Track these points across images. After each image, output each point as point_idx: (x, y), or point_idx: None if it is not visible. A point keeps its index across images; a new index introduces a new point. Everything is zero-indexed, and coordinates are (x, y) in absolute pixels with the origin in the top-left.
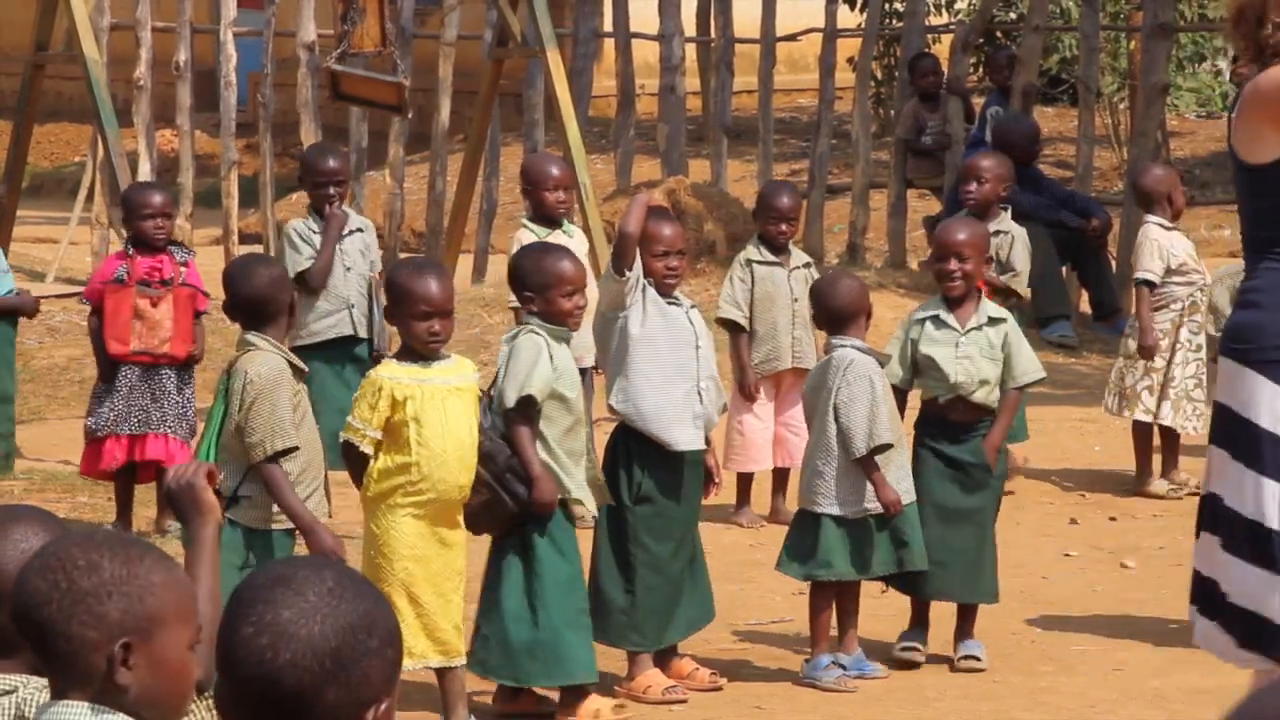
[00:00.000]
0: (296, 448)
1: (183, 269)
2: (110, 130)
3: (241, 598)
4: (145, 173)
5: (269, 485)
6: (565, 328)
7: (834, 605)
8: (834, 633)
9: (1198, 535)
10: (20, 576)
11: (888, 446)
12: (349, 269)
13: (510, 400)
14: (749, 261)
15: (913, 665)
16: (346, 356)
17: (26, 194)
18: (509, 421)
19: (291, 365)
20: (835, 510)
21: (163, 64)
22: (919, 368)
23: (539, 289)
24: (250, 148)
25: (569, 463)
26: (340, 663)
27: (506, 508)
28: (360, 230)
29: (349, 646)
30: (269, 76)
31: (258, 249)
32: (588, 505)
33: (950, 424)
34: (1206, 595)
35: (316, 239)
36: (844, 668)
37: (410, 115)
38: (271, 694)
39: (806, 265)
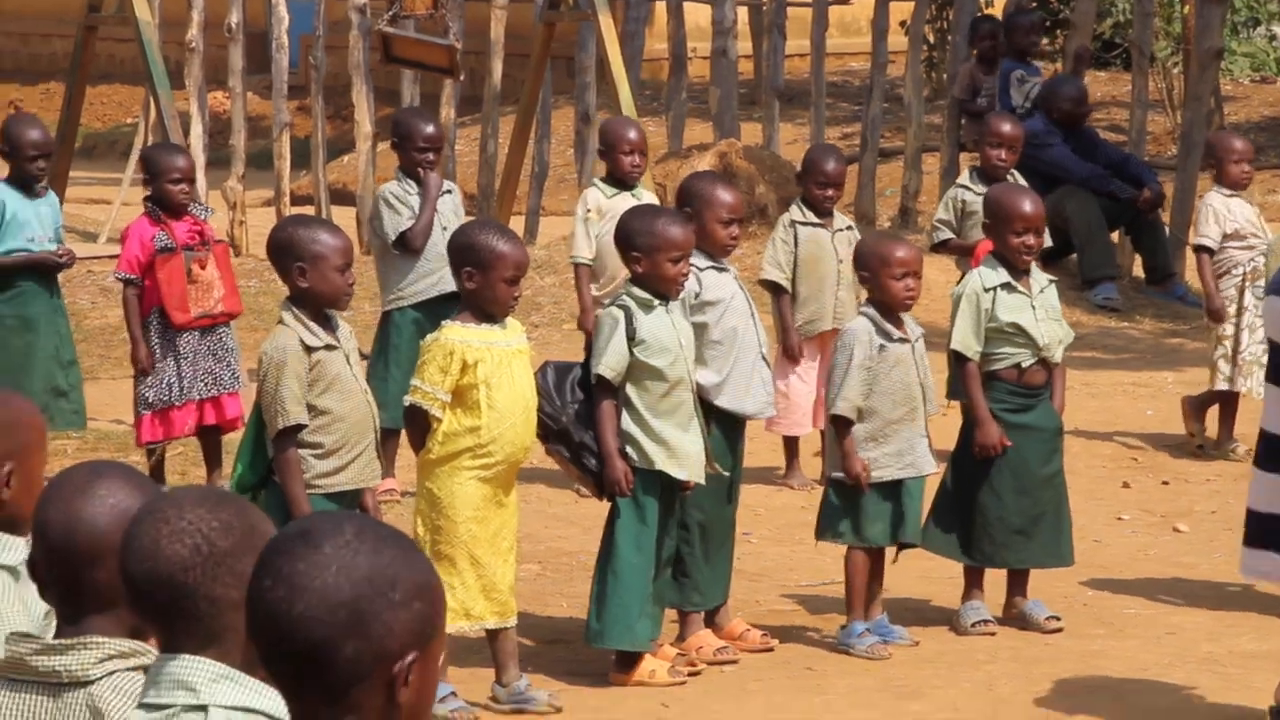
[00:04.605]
0: (301, 425)
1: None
2: (163, 92)
3: (266, 552)
4: (197, 134)
5: (275, 465)
6: (659, 295)
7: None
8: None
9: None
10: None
11: (844, 420)
12: (445, 229)
13: (593, 378)
14: (793, 223)
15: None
16: (446, 314)
17: (79, 155)
18: (594, 397)
19: (305, 342)
20: (837, 473)
21: (215, 26)
22: (998, 336)
23: (646, 250)
24: (302, 110)
25: (665, 431)
26: (357, 615)
27: (593, 481)
28: (449, 191)
29: (366, 598)
30: (321, 39)
31: (309, 210)
32: (677, 475)
33: (1024, 391)
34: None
35: (412, 200)
36: (881, 636)
37: (462, 78)
38: (290, 647)
39: (849, 228)
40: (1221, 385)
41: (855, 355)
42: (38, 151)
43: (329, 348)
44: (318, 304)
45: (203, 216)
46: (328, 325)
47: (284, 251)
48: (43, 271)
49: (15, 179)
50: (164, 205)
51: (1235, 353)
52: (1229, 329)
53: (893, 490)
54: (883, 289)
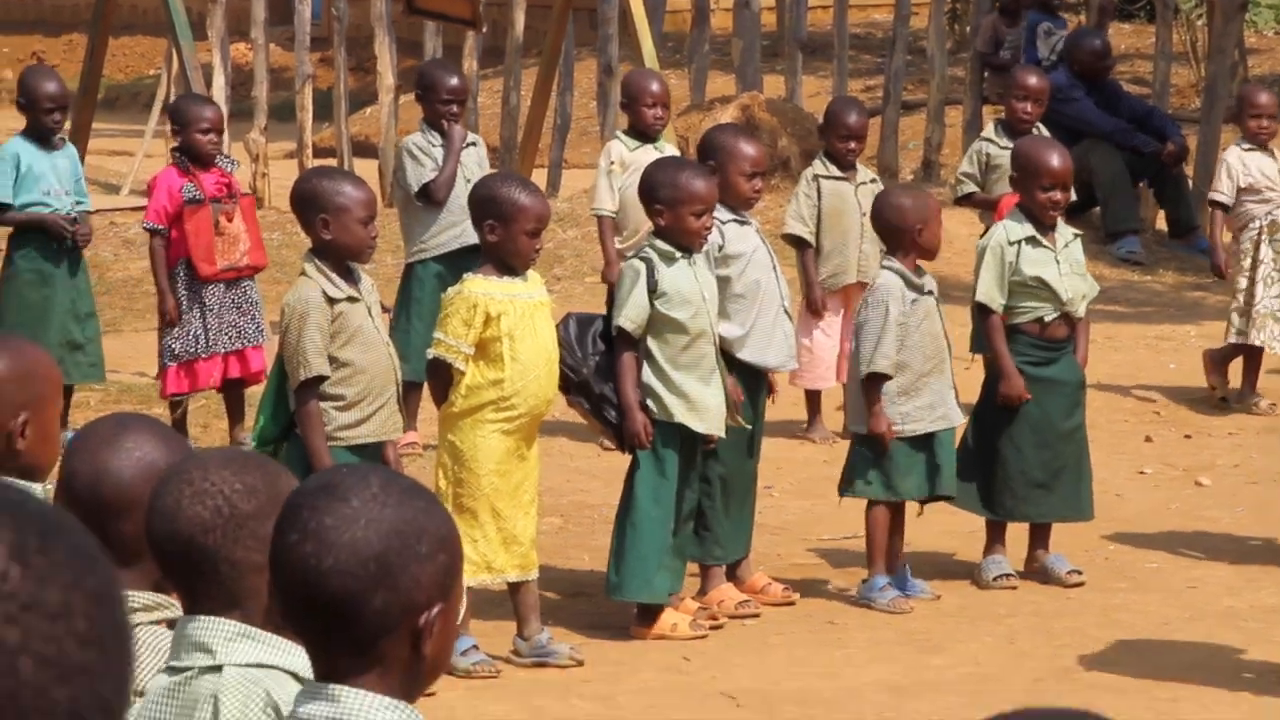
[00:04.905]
0: (323, 377)
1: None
2: (185, 43)
3: (289, 506)
4: (219, 86)
5: (296, 417)
6: (682, 248)
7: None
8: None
9: None
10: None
11: (883, 376)
12: (468, 181)
13: (613, 330)
14: (816, 177)
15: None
16: (468, 267)
17: (101, 107)
18: (615, 349)
19: (328, 293)
20: (864, 429)
21: None
22: (1021, 290)
23: (669, 203)
24: (324, 61)
25: (686, 384)
26: (386, 567)
27: (614, 433)
28: (474, 144)
29: (394, 551)
30: None
31: (331, 162)
32: (696, 429)
33: (1046, 345)
34: None
35: (436, 152)
36: (902, 590)
37: (484, 30)
38: (319, 600)
39: (873, 181)
40: (1233, 338)
41: (891, 311)
42: (54, 104)
43: (351, 300)
44: (340, 256)
45: (229, 169)
46: (350, 277)
47: (307, 203)
48: (54, 234)
49: (32, 131)
50: (192, 156)
51: (1249, 305)
52: (1243, 282)
53: (924, 443)
54: (929, 239)
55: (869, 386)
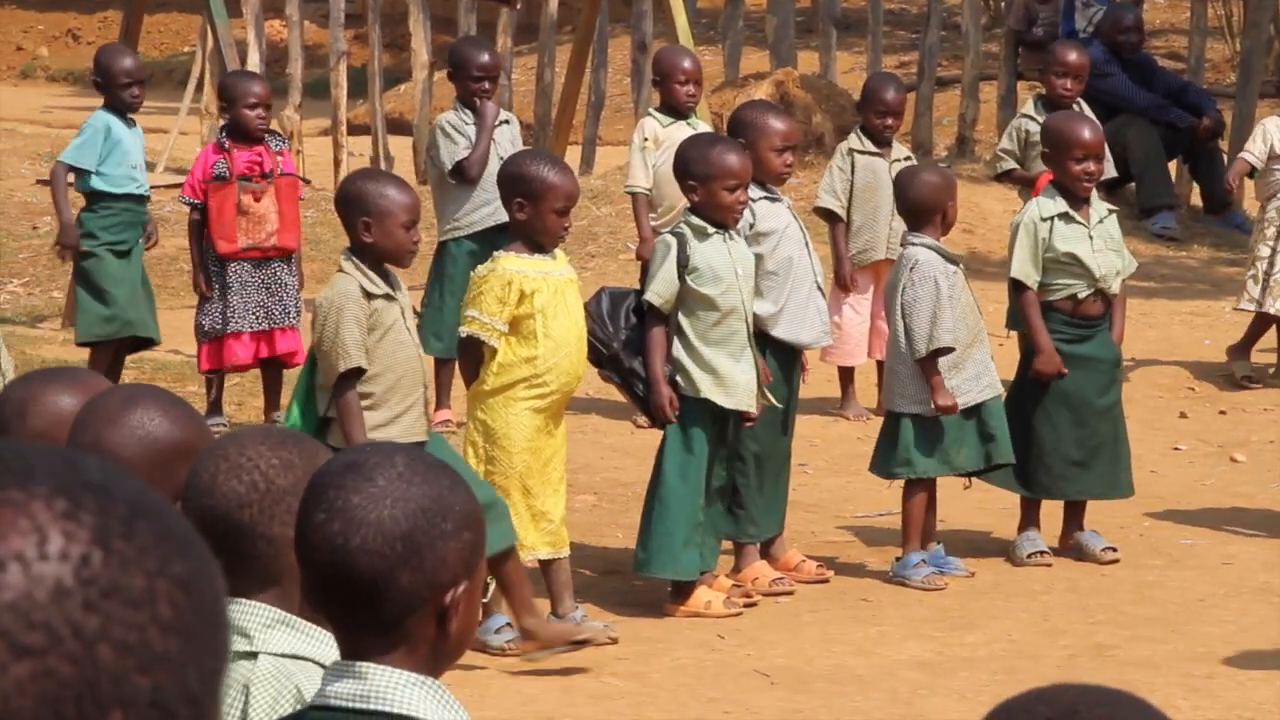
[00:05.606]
0: (361, 369)
1: (279, 158)
2: (220, 20)
3: (314, 485)
4: (254, 63)
5: (336, 409)
6: (716, 224)
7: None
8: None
9: None
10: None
11: (947, 350)
12: (501, 159)
13: (644, 305)
14: (850, 151)
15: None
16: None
17: None
18: (645, 323)
19: (365, 289)
20: (912, 409)
21: None
22: (1054, 267)
23: (702, 179)
24: (359, 38)
25: (715, 360)
26: (412, 546)
27: (643, 408)
28: (507, 122)
29: (421, 530)
30: None
31: (365, 140)
32: (724, 404)
33: (1080, 322)
34: None
35: (469, 129)
36: (937, 567)
37: (519, 6)
38: (345, 579)
39: (907, 159)
40: (1247, 305)
41: (941, 285)
42: (131, 78)
43: (388, 298)
44: (380, 259)
45: (277, 147)
46: (387, 279)
47: (351, 205)
48: (57, 241)
49: (111, 107)
50: (241, 132)
51: (1267, 275)
52: (1265, 250)
53: (972, 413)
54: (953, 214)
55: (928, 364)
